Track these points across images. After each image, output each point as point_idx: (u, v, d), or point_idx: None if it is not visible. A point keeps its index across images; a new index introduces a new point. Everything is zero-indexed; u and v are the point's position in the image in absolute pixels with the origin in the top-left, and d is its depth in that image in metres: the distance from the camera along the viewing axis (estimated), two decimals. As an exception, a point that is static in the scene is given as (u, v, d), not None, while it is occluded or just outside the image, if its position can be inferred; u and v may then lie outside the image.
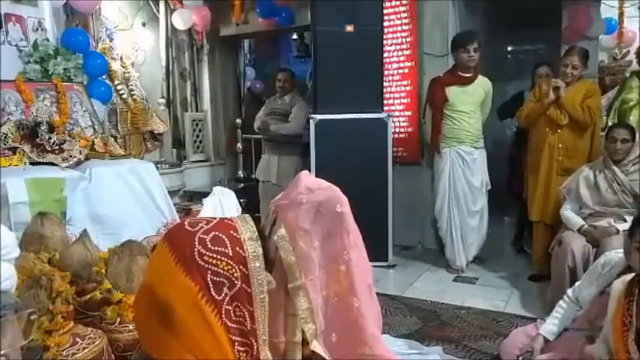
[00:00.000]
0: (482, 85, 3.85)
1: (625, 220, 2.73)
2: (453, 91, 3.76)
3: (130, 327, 2.06)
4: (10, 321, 0.99)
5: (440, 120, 3.79)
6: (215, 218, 1.10)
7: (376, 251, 3.41)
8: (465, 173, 3.78)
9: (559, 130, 3.33)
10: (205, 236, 1.04)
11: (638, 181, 2.86)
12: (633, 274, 1.71)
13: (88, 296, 2.14)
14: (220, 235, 1.05)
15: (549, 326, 2.22)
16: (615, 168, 2.91)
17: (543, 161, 3.36)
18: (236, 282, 1.04)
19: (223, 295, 1.02)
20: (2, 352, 0.97)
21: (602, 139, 3.25)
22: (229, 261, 1.03)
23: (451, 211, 3.81)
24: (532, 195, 3.47)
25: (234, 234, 1.06)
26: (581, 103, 3.27)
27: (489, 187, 3.92)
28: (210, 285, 1.01)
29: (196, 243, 1.03)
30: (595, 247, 2.77)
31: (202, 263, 1.02)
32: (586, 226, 2.90)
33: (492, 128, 5.08)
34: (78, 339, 1.90)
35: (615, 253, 2.14)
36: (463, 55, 3.70)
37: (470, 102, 3.78)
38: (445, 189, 3.82)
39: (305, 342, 1.58)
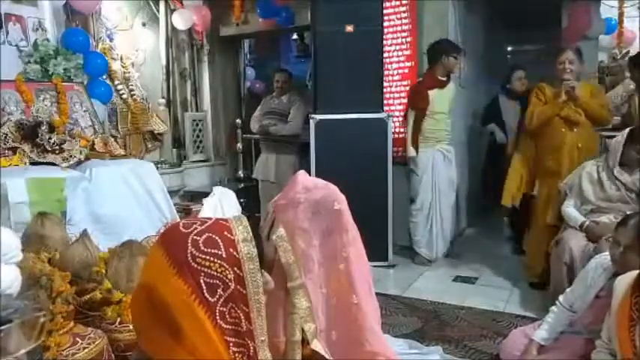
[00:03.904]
0: (452, 88, 4.13)
1: None
2: (434, 94, 3.98)
3: (130, 327, 2.06)
4: (18, 324, 1.00)
5: (421, 121, 3.99)
6: (210, 219, 1.10)
7: (376, 251, 3.44)
8: (446, 169, 4.07)
9: (575, 129, 3.28)
10: (198, 238, 1.04)
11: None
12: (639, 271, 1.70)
13: (88, 296, 2.14)
14: (214, 236, 1.05)
15: (542, 332, 2.22)
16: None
17: (564, 162, 3.26)
18: (230, 284, 1.03)
19: (217, 297, 1.02)
20: (13, 355, 0.98)
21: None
22: (222, 263, 1.03)
23: (433, 205, 4.05)
24: (550, 198, 3.32)
25: (228, 235, 1.06)
26: (597, 102, 3.27)
27: (458, 180, 4.29)
28: (204, 287, 1.01)
29: (189, 245, 1.03)
30: (594, 242, 2.76)
31: (195, 265, 1.01)
32: (587, 222, 2.88)
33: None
34: (78, 339, 1.91)
35: (605, 257, 2.14)
36: (450, 60, 3.95)
37: (446, 104, 4.05)
38: (428, 185, 4.03)
39: (305, 341, 1.58)
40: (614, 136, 3.07)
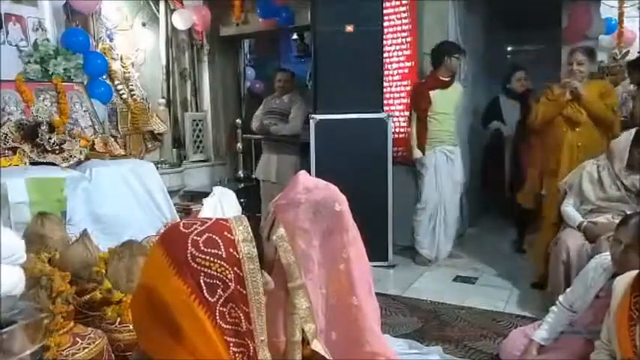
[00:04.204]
0: (457, 88, 4.13)
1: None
2: (436, 95, 3.98)
3: (130, 327, 2.07)
4: (23, 326, 1.00)
5: (424, 122, 4.00)
6: (211, 219, 1.10)
7: (376, 251, 3.42)
8: (449, 170, 4.06)
9: (577, 129, 3.28)
10: (198, 238, 1.04)
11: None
12: (638, 270, 1.69)
13: (88, 296, 2.15)
14: (214, 236, 1.05)
15: (542, 332, 2.23)
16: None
17: (563, 161, 3.28)
18: (230, 284, 1.03)
19: (217, 297, 1.02)
20: (17, 357, 0.98)
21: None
22: (222, 263, 1.03)
23: (437, 206, 4.07)
24: (552, 196, 3.33)
25: (229, 235, 1.06)
26: (603, 102, 3.26)
27: (464, 180, 4.26)
28: (204, 287, 1.01)
29: (189, 245, 1.03)
30: (592, 242, 2.76)
31: (195, 265, 1.02)
32: (585, 222, 2.88)
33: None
34: (78, 339, 1.91)
35: (605, 257, 2.14)
36: (452, 61, 3.97)
37: (449, 104, 4.05)
38: (432, 185, 4.04)
39: (305, 341, 1.58)
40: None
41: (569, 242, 2.81)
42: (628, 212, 2.70)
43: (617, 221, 2.68)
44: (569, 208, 3.01)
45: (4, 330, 0.96)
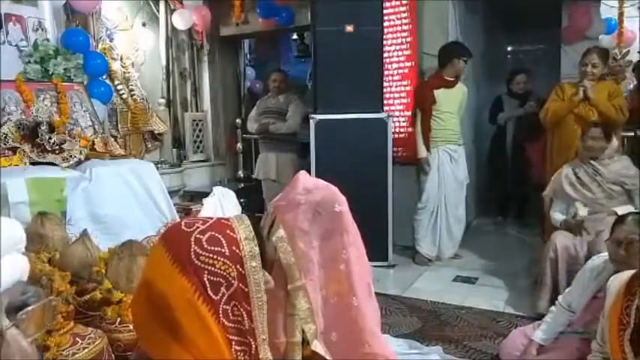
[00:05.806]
0: (461, 88, 4.14)
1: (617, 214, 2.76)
2: (440, 94, 3.98)
3: (130, 327, 2.07)
4: (36, 308, 1.04)
5: (429, 121, 3.99)
6: (212, 218, 1.10)
7: (376, 251, 3.42)
8: (452, 169, 4.06)
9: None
10: (201, 236, 1.04)
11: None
12: (632, 271, 1.69)
13: (88, 296, 2.15)
14: (217, 234, 1.05)
15: (541, 332, 2.24)
16: (594, 162, 2.97)
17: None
18: (233, 281, 1.04)
19: (220, 294, 1.02)
20: (31, 337, 1.01)
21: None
22: (226, 260, 1.03)
23: (439, 205, 4.05)
24: None
25: (231, 233, 1.06)
26: (610, 102, 3.31)
27: (468, 180, 4.23)
28: (207, 285, 1.01)
29: (192, 243, 1.03)
30: (580, 235, 2.86)
31: (199, 263, 1.02)
32: (564, 218, 2.98)
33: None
34: (78, 339, 1.91)
35: (603, 257, 2.15)
36: (460, 63, 3.97)
37: (454, 103, 4.05)
38: (434, 185, 4.03)
39: (305, 342, 1.58)
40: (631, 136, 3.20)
41: (557, 241, 2.88)
42: (619, 207, 2.80)
43: (602, 214, 2.77)
44: (556, 214, 3.09)
45: (22, 312, 0.99)
